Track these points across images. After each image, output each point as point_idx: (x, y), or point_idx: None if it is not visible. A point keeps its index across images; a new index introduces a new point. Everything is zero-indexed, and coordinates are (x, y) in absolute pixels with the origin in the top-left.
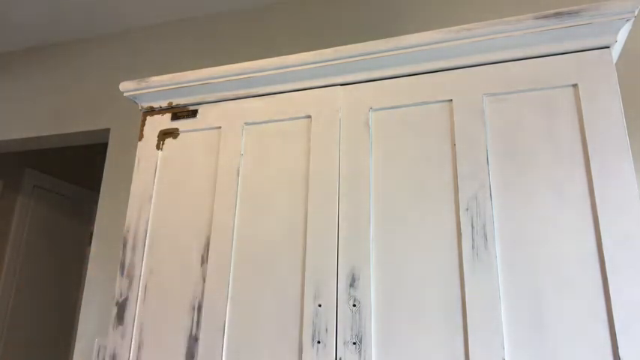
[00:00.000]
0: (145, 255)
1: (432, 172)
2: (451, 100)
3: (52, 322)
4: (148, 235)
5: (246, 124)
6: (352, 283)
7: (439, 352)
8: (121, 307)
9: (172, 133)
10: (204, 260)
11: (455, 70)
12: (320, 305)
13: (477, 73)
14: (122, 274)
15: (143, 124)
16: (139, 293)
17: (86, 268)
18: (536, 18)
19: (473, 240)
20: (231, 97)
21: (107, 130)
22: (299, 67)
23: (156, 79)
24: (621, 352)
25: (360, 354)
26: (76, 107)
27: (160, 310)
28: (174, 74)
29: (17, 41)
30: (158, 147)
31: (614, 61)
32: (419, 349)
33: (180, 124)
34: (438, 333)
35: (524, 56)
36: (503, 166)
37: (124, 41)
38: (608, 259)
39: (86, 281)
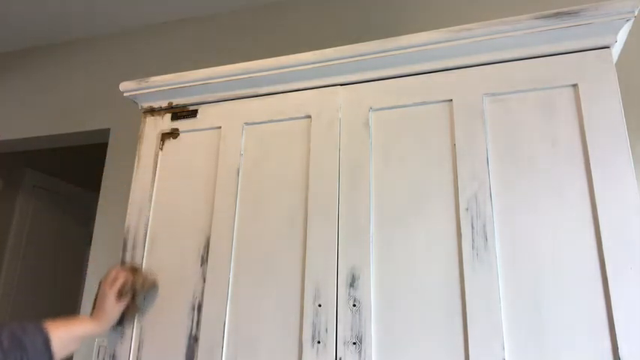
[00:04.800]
0: (145, 255)
1: (432, 172)
2: (451, 100)
3: None
4: (148, 235)
5: (246, 124)
6: (352, 283)
7: (439, 352)
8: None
9: (172, 133)
10: (204, 260)
11: (455, 70)
12: (320, 305)
13: (477, 73)
14: None
15: (143, 124)
16: None
17: (86, 268)
18: (536, 18)
19: (473, 240)
20: (231, 97)
21: (107, 130)
22: (299, 67)
23: (156, 79)
24: (621, 353)
25: (360, 354)
26: (76, 107)
27: (160, 310)
28: (174, 74)
29: (17, 41)
30: (158, 147)
31: (614, 61)
32: (419, 349)
33: (180, 124)
34: (438, 333)
35: (524, 56)
36: (503, 166)
37: (124, 41)
38: (608, 259)
39: (86, 281)
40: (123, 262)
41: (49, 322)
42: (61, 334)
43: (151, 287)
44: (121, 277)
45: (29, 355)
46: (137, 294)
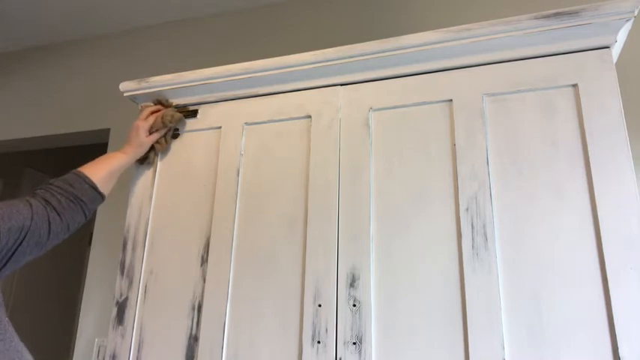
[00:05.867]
0: (145, 255)
1: (432, 172)
2: (451, 100)
3: (52, 322)
4: (148, 235)
5: (246, 124)
6: (352, 283)
7: (439, 352)
8: (121, 307)
9: (172, 134)
10: (204, 260)
11: (455, 70)
12: (320, 305)
13: (477, 73)
14: (122, 274)
15: None
16: (139, 293)
17: (86, 268)
18: (536, 18)
19: (473, 240)
20: (232, 97)
21: (107, 130)
22: (299, 67)
23: (156, 79)
24: (621, 353)
25: (360, 354)
26: (76, 107)
27: (160, 310)
28: (174, 74)
29: (17, 41)
30: None
31: (614, 61)
32: (419, 349)
33: (181, 124)
34: (438, 333)
35: (524, 56)
36: (503, 166)
37: (124, 41)
38: (608, 259)
39: (86, 281)
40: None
41: (85, 167)
42: (101, 175)
43: (178, 121)
44: (153, 116)
45: (87, 203)
46: (167, 126)
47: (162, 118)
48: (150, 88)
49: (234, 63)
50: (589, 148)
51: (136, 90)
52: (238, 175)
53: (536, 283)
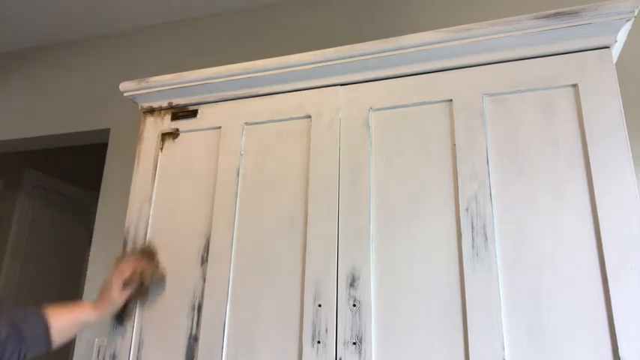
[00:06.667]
0: None
1: (432, 172)
2: (451, 100)
3: None
4: (148, 235)
5: (246, 124)
6: (352, 283)
7: (439, 352)
8: (121, 307)
9: (172, 134)
10: (204, 260)
11: (455, 70)
12: (320, 305)
13: (477, 73)
14: None
15: (143, 124)
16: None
17: (86, 268)
18: (536, 18)
19: (473, 240)
20: (231, 97)
21: (107, 130)
22: (299, 67)
23: (156, 79)
24: (621, 352)
25: (360, 354)
26: (76, 107)
27: (160, 310)
28: (174, 74)
29: (17, 41)
30: (158, 147)
31: (614, 61)
32: (419, 349)
33: (181, 124)
34: (438, 333)
35: (524, 56)
36: (503, 166)
37: (124, 41)
38: (608, 259)
39: (86, 281)
40: (137, 250)
41: (51, 308)
42: (62, 322)
43: (159, 280)
44: (130, 269)
45: (27, 344)
46: (144, 284)
47: (140, 275)
48: (150, 88)
49: (234, 63)
50: (589, 148)
51: (136, 90)
52: (238, 175)
53: (536, 283)
